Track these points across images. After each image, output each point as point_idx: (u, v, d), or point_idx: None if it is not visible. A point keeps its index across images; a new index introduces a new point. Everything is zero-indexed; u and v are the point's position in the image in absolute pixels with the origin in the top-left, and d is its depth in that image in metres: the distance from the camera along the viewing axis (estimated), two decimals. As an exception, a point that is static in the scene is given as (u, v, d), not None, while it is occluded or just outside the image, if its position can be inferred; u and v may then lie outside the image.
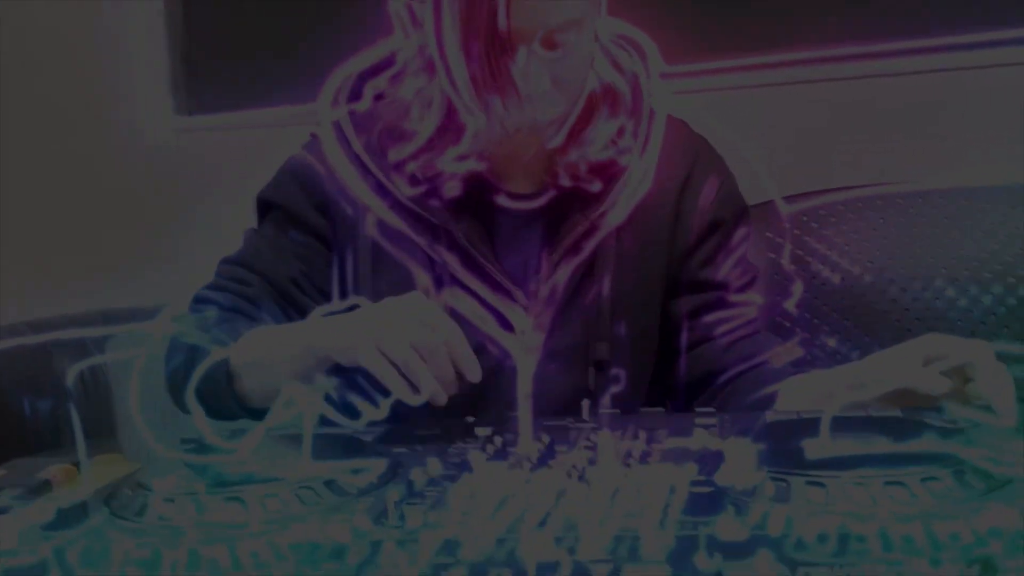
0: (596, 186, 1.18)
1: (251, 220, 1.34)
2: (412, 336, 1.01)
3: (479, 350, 1.17)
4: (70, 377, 1.03)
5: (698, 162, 1.25)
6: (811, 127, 1.85)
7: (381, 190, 1.18)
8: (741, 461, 0.91)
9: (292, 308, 1.24)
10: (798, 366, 1.21)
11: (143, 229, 2.32)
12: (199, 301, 1.25)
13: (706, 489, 0.77)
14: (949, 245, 1.62)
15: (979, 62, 1.77)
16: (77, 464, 1.29)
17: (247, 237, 1.29)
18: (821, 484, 0.77)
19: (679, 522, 0.77)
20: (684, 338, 1.23)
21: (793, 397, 1.15)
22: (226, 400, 1.15)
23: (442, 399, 1.01)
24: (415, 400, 1.01)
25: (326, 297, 1.24)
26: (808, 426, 0.89)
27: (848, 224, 1.65)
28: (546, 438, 0.99)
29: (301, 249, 1.25)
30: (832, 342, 1.51)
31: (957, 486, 0.77)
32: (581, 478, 0.89)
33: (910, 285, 1.61)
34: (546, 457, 0.95)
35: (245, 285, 1.25)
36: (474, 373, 1.02)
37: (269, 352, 1.13)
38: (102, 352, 1.84)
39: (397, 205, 1.18)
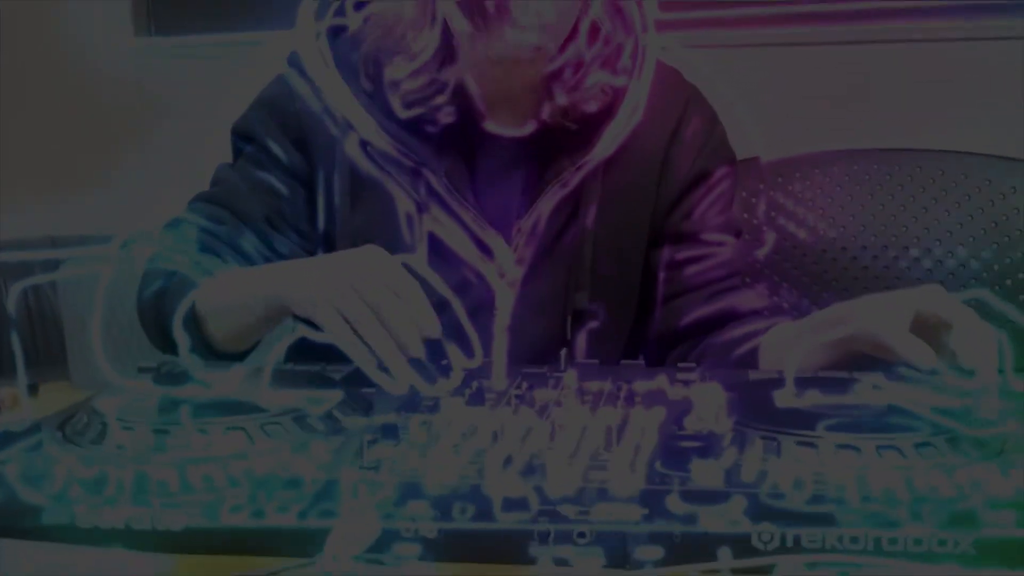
0: (593, 106, 1.14)
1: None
2: (370, 296, 0.97)
3: (462, 286, 1.14)
4: (11, 298, 0.98)
5: (689, 110, 1.22)
6: (814, 91, 1.84)
7: (366, 113, 1.14)
8: (709, 406, 0.90)
9: (267, 248, 1.20)
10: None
11: (98, 152, 2.26)
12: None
13: (692, 443, 0.75)
14: (923, 211, 1.62)
15: (984, 33, 1.76)
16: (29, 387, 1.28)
17: (221, 173, 1.24)
18: (813, 445, 0.75)
19: (650, 465, 0.75)
20: (661, 289, 1.21)
21: (774, 344, 1.13)
22: (193, 340, 1.10)
23: (397, 362, 0.97)
24: (370, 365, 0.97)
25: (303, 236, 1.21)
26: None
27: (822, 186, 1.64)
28: (524, 384, 0.97)
29: (277, 186, 1.20)
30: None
31: (952, 452, 0.74)
32: (546, 416, 0.87)
33: (883, 253, 1.60)
34: (522, 401, 0.93)
35: (219, 223, 1.20)
36: (433, 329, 0.99)
37: (232, 298, 1.10)
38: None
39: (379, 134, 1.14)
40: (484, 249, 1.15)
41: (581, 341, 1.16)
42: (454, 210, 1.14)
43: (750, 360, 1.13)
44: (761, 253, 1.21)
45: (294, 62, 1.17)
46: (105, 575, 0.71)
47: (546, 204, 1.15)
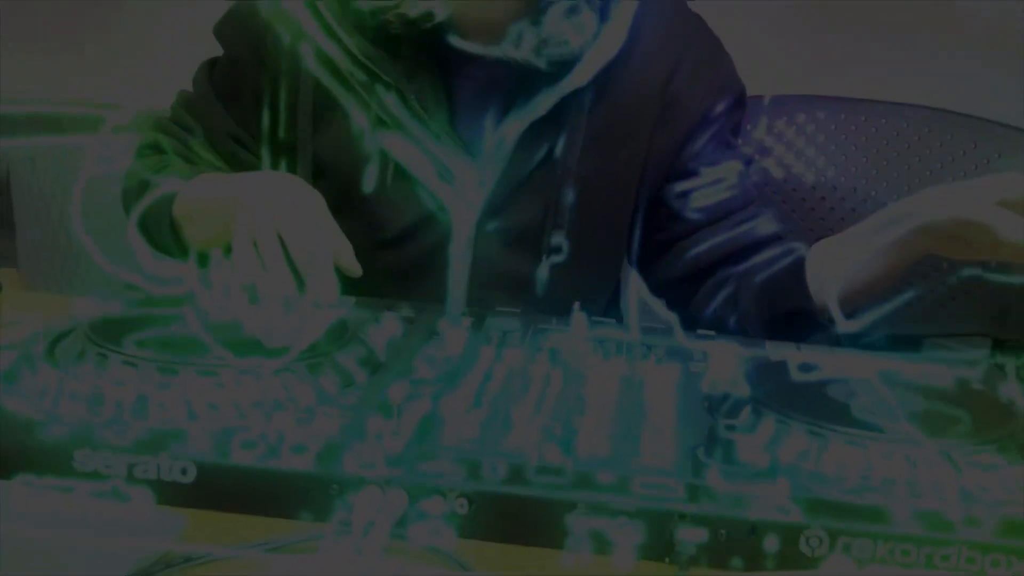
0: (541, 61, 1.09)
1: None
2: (288, 237, 0.93)
3: (424, 222, 1.12)
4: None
5: (692, 45, 1.16)
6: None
7: (333, 28, 1.09)
8: (724, 365, 0.88)
9: (233, 163, 1.17)
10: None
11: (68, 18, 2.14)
12: (149, 144, 1.19)
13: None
14: (906, 168, 1.61)
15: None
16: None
17: (198, 78, 1.21)
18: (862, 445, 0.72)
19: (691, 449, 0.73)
20: (675, 228, 1.17)
21: (823, 260, 1.08)
22: (177, 245, 1.10)
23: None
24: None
25: (265, 149, 1.16)
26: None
27: (806, 131, 1.61)
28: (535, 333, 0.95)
29: (242, 102, 1.17)
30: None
31: (1004, 463, 0.71)
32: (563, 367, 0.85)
33: (862, 206, 1.59)
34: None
35: (188, 133, 1.18)
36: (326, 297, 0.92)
37: (199, 206, 1.07)
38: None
39: (343, 51, 1.09)
40: (444, 172, 1.10)
41: (556, 281, 1.13)
42: (413, 131, 1.09)
43: (795, 285, 1.08)
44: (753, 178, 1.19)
45: None
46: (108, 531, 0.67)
47: (512, 127, 1.10)
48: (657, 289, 1.21)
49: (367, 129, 1.09)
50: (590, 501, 0.66)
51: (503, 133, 1.10)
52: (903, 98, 1.62)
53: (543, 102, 1.10)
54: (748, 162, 1.19)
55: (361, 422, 0.72)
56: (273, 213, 0.94)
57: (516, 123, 1.10)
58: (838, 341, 1.01)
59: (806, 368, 0.82)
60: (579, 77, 1.09)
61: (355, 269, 0.95)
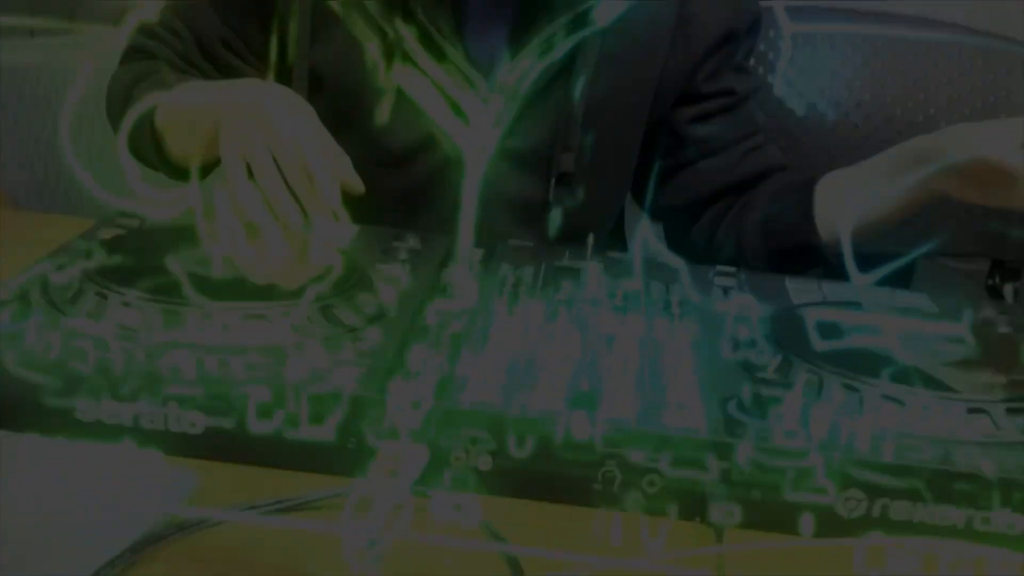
0: None
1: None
2: (283, 161, 0.90)
3: (428, 143, 1.08)
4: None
5: None
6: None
7: None
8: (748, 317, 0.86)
9: (225, 71, 1.13)
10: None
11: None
12: (135, 48, 1.15)
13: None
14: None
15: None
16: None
17: None
18: (899, 401, 0.70)
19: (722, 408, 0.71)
20: (684, 152, 1.15)
21: (834, 193, 1.06)
22: (160, 159, 1.05)
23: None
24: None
25: (261, 60, 1.12)
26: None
27: (825, 49, 1.57)
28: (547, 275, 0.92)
29: (236, 6, 1.12)
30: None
31: None
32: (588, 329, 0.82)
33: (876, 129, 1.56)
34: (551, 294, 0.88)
35: (177, 38, 1.14)
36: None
37: (183, 111, 1.01)
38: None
39: None
40: (456, 108, 1.07)
41: (564, 207, 1.10)
42: (427, 65, 1.05)
43: (801, 219, 1.06)
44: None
45: None
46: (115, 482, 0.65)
47: (530, 63, 1.07)
48: (660, 214, 1.19)
49: (380, 61, 1.05)
50: (620, 474, 0.65)
51: (523, 71, 1.07)
52: (910, 11, 1.58)
53: (565, 44, 1.06)
54: (757, 90, 1.17)
55: (379, 385, 0.70)
56: (263, 128, 0.90)
57: (536, 62, 1.06)
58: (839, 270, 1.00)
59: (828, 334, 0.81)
60: (608, 12, 1.05)
61: (357, 185, 0.91)
